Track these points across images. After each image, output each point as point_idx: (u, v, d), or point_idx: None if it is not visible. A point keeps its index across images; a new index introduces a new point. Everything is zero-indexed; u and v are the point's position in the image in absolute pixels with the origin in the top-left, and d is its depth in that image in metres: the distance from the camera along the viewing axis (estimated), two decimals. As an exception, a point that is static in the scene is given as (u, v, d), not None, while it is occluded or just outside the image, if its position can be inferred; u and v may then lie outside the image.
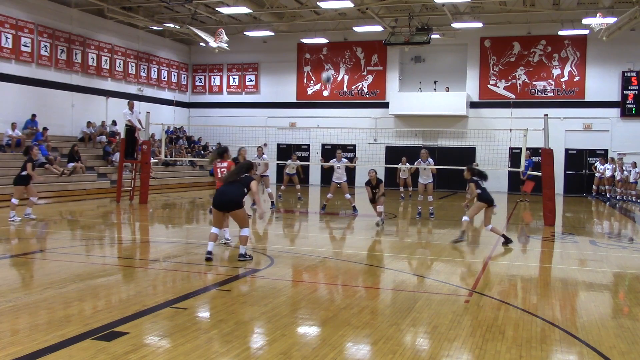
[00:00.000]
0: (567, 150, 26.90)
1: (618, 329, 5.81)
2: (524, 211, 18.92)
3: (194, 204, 19.94)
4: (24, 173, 13.09)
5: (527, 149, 16.80)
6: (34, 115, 22.34)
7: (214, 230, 8.82)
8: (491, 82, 27.74)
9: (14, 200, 13.05)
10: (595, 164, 25.57)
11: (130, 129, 18.64)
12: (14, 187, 13.25)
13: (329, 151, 29.76)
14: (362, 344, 5.24)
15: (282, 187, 20.70)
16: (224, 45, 23.63)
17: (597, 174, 25.16)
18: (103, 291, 6.96)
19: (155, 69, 29.88)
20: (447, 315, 6.10)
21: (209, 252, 8.67)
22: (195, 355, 4.73)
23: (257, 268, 8.43)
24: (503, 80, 27.65)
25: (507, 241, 11.07)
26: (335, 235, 12.99)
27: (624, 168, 24.00)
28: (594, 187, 25.35)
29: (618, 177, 24.15)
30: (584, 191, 26.30)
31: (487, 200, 11.19)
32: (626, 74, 26.04)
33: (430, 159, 15.73)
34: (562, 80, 27.00)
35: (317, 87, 30.41)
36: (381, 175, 32.90)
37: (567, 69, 26.95)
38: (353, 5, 22.39)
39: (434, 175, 16.21)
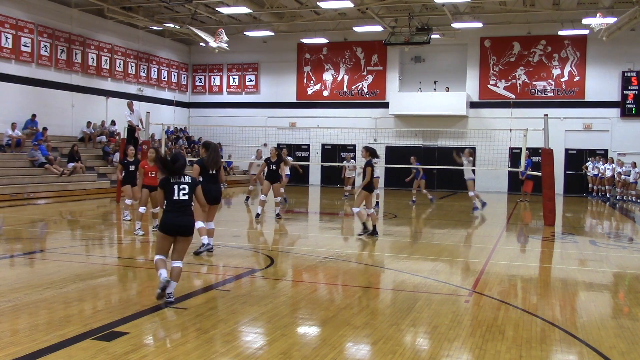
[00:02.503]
0: (567, 150, 26.89)
1: (618, 329, 5.81)
2: (524, 211, 18.91)
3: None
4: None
5: (527, 149, 16.82)
6: (34, 115, 22.35)
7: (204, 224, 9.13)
8: (491, 82, 27.74)
9: (127, 201, 13.38)
10: (587, 164, 25.66)
11: (131, 129, 18.66)
12: (123, 189, 13.79)
13: (329, 151, 29.82)
14: (362, 344, 5.24)
15: (282, 191, 20.50)
16: (224, 45, 23.63)
17: (588, 173, 25.29)
18: (103, 291, 6.97)
19: (155, 69, 29.88)
20: (447, 315, 6.10)
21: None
22: (195, 355, 4.73)
23: (257, 268, 8.44)
24: (503, 80, 27.65)
25: (364, 231, 11.65)
26: (334, 235, 12.98)
27: (620, 166, 24.05)
28: (591, 186, 25.42)
29: (609, 174, 24.19)
30: (583, 191, 26.29)
31: (372, 190, 11.79)
32: (626, 74, 26.04)
33: (471, 157, 16.83)
34: (562, 80, 26.99)
35: (318, 87, 30.42)
36: (381, 175, 32.83)
37: (567, 69, 26.94)
38: (353, 5, 22.39)
39: (473, 172, 17.34)
